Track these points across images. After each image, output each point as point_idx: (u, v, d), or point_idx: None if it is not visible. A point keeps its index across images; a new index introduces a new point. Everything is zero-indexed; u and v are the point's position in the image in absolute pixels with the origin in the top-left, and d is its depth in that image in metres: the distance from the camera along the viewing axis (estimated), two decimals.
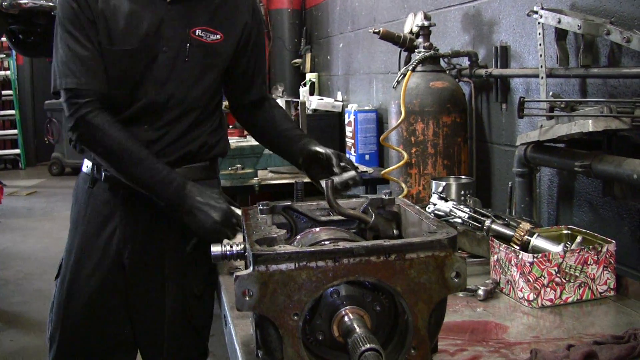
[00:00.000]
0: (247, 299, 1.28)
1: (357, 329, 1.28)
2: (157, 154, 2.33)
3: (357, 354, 1.21)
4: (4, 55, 13.13)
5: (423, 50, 3.36)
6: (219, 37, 2.40)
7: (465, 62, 3.46)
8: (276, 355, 1.34)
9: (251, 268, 1.29)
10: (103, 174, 2.40)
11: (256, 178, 4.01)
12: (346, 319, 1.33)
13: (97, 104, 2.23)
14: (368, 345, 1.21)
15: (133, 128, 2.31)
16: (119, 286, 2.44)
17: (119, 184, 2.36)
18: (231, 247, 1.53)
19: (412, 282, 1.32)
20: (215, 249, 1.55)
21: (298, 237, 1.61)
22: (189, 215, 2.21)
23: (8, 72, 13.32)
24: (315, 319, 1.37)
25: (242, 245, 1.53)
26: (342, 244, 1.32)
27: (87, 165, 2.49)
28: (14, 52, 12.75)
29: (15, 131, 13.69)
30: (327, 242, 1.51)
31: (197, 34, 2.35)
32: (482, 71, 3.27)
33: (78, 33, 2.24)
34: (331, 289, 1.34)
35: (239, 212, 2.18)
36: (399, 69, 3.50)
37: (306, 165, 2.38)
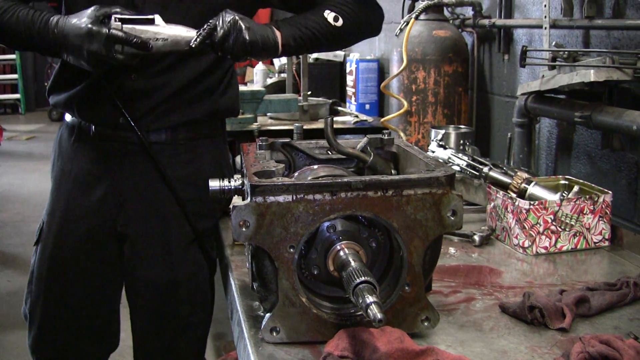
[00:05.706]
0: (244, 229, 1.28)
1: (352, 263, 1.28)
2: (153, 113, 2.05)
3: (352, 286, 1.22)
4: None
5: None
6: None
7: (469, 11, 3.43)
8: (271, 287, 1.35)
9: (249, 199, 1.29)
10: (92, 127, 2.09)
11: (256, 123, 3.99)
12: (342, 253, 1.33)
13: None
14: (363, 278, 1.22)
15: (119, 77, 2.00)
16: (111, 257, 2.16)
17: (110, 138, 2.08)
18: (229, 182, 1.54)
19: (409, 218, 1.32)
20: (213, 183, 1.54)
21: (296, 174, 1.61)
22: (68, 48, 1.81)
23: None
24: (310, 253, 1.37)
25: (241, 181, 1.53)
26: (339, 179, 1.32)
27: (69, 115, 2.17)
28: None
29: (15, 76, 13.61)
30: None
31: None
32: (486, 21, 3.25)
33: None
34: (327, 223, 1.35)
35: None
36: (402, 17, 3.48)
37: None
